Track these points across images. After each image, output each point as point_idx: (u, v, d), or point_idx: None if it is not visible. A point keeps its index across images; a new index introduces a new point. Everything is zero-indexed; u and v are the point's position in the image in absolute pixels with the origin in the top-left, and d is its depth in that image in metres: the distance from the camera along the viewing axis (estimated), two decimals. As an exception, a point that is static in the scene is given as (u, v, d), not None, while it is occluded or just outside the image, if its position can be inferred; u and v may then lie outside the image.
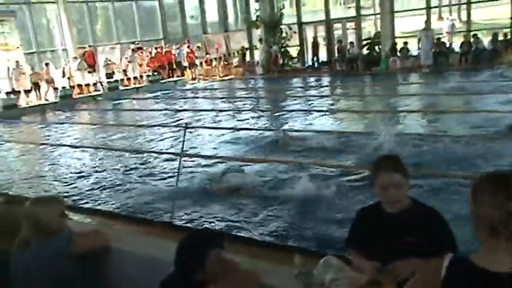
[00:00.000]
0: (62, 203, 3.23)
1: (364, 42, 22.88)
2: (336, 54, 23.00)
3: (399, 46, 21.35)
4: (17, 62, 20.33)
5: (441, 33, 22.55)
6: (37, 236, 2.99)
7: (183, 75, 25.63)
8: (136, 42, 25.80)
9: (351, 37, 23.44)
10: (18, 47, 21.21)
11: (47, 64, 21.12)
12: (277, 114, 13.90)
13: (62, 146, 12.01)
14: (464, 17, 24.77)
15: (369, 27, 25.50)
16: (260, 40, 24.76)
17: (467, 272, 1.64)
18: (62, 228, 3.06)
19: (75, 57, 22.45)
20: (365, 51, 22.54)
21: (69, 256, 2.98)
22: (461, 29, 22.84)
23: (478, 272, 1.62)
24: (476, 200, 1.66)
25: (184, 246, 2.37)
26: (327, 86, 19.42)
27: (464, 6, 23.57)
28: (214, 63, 26.14)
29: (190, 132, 11.10)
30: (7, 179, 9.29)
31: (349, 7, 26.98)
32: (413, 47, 21.36)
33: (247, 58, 26.03)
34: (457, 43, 21.36)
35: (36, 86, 20.36)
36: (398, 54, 21.19)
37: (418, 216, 2.61)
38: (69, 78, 21.78)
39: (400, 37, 22.61)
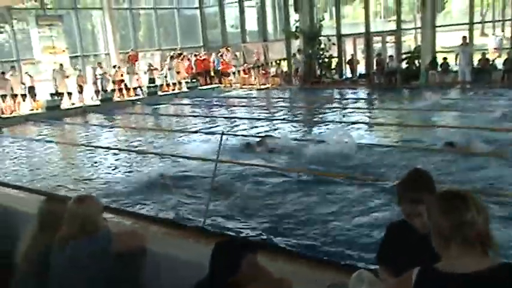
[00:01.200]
0: (101, 203, 3.33)
1: (404, 56, 22.61)
2: (375, 67, 22.80)
3: (439, 61, 21.03)
4: (61, 65, 20.93)
5: (485, 49, 22.07)
6: (77, 234, 3.08)
7: (220, 82, 25.87)
8: (177, 49, 26.21)
9: (390, 50, 23.21)
10: (64, 51, 21.89)
11: (100, 65, 21.59)
12: (312, 125, 13.88)
13: (99, 147, 12.28)
14: (508, 33, 24.20)
15: (409, 41, 25.18)
16: (299, 51, 24.77)
17: (434, 277, 1.90)
18: (101, 227, 3.15)
19: (115, 66, 23.01)
20: (404, 65, 22.28)
21: (107, 255, 3.06)
22: (506, 46, 22.32)
23: (442, 275, 1.88)
24: (430, 215, 2.00)
25: (220, 250, 2.40)
26: (364, 98, 19.24)
27: (508, 22, 23.06)
28: (251, 72, 26.29)
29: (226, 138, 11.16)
30: (44, 177, 9.59)
31: (390, 20, 26.72)
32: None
33: (285, 68, 26.05)
34: (500, 60, 20.88)
35: (80, 88, 20.90)
36: (439, 68, 20.86)
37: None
38: (114, 82, 22.32)
39: (441, 52, 22.26)
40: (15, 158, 12.04)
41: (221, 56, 26.04)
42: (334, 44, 24.54)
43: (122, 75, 22.65)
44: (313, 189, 7.70)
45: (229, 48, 26.71)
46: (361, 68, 24.19)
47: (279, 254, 3.23)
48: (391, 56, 22.34)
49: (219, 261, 2.36)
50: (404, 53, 22.85)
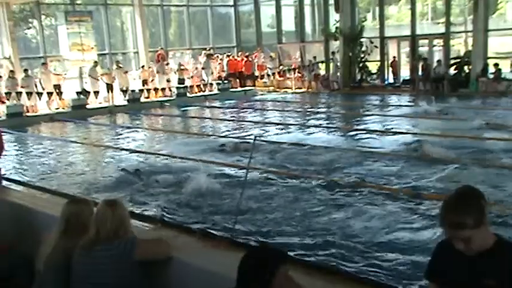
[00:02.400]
0: (126, 208, 3.39)
1: (452, 62, 22.27)
2: (420, 73, 22.54)
3: (491, 68, 20.62)
4: (95, 62, 21.42)
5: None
6: (106, 238, 3.15)
7: (254, 85, 25.99)
8: (208, 49, 26.46)
9: (438, 55, 22.90)
10: (92, 48, 22.35)
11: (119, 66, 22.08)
12: (350, 132, 13.80)
13: (122, 150, 12.47)
14: None
15: (458, 46, 24.80)
16: (333, 53, 24.73)
17: None
18: (126, 233, 3.21)
19: (142, 66, 23.37)
20: (452, 71, 21.94)
21: (131, 262, 3.12)
22: None
23: None
24: None
25: (249, 261, 2.41)
26: (408, 105, 19.00)
27: None
28: (287, 74, 26.33)
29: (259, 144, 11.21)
30: (66, 178, 9.82)
31: (438, 23, 26.36)
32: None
33: (322, 71, 25.98)
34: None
35: (108, 87, 21.31)
36: (490, 76, 20.45)
37: (501, 257, 2.51)
38: (144, 81, 22.66)
39: (493, 58, 21.82)
40: (37, 157, 12.34)
41: (254, 57, 26.21)
42: (376, 46, 24.37)
43: (149, 75, 23.03)
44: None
45: (262, 49, 26.82)
46: (404, 73, 23.94)
47: (307, 268, 3.23)
48: (438, 61, 22.03)
49: (248, 272, 2.36)
50: (453, 58, 22.51)
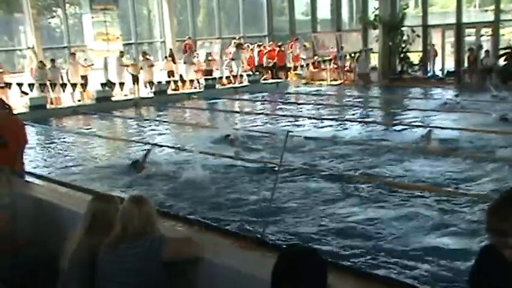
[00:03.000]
0: (153, 205, 3.44)
1: (502, 52, 21.83)
2: (466, 64, 22.14)
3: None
4: (121, 52, 21.70)
5: None
6: (133, 236, 3.21)
7: (286, 77, 25.95)
8: (238, 38, 26.50)
9: (486, 45, 22.48)
10: (118, 38, 22.62)
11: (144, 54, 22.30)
12: (391, 128, 13.68)
13: (149, 143, 12.58)
14: None
15: (509, 35, 24.30)
16: (364, 50, 24.60)
17: None
18: (153, 230, 3.27)
19: (166, 57, 23.52)
20: (502, 62, 21.50)
21: (158, 261, 3.17)
22: None
23: None
24: None
25: (286, 261, 2.40)
26: (451, 99, 18.68)
27: None
28: (322, 65, 26.21)
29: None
30: (90, 173, 10.02)
31: (486, 10, 25.86)
32: None
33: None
34: None
35: (134, 79, 21.57)
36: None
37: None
38: (170, 72, 22.86)
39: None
40: (60, 152, 12.58)
41: (290, 47, 26.18)
42: (418, 36, 24.05)
43: (173, 65, 23.21)
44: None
45: (298, 39, 26.77)
46: (449, 65, 23.58)
47: (342, 271, 3.23)
48: (486, 52, 21.62)
49: (284, 274, 2.37)
50: (503, 49, 22.06)
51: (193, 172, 9.35)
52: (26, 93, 19.07)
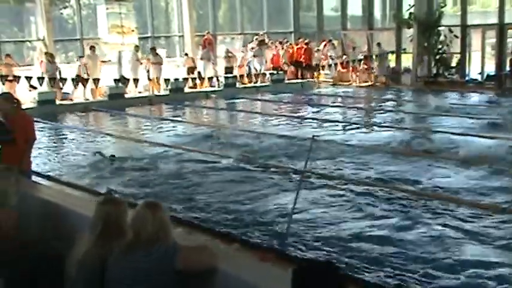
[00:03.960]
0: (167, 210, 3.46)
1: (549, 55, 21.58)
2: (508, 68, 21.89)
3: None
4: (136, 46, 21.89)
5: None
6: (146, 243, 3.25)
7: (312, 76, 25.91)
8: (261, 34, 26.52)
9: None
10: (133, 30, 22.76)
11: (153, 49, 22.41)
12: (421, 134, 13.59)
13: (162, 145, 12.70)
14: None
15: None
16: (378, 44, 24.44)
17: None
18: (167, 238, 3.30)
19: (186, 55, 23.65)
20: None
21: (171, 269, 3.19)
22: None
23: None
24: None
25: (304, 277, 2.40)
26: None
27: None
28: (351, 66, 26.12)
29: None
30: (100, 175, 10.11)
31: (532, 9, 25.58)
32: None
33: (392, 64, 25.63)
34: None
35: (149, 75, 21.70)
36: None
37: None
38: (189, 69, 23.01)
39: None
40: (69, 151, 12.69)
41: (324, 46, 26.20)
42: (456, 36, 23.84)
43: (193, 61, 23.32)
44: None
45: (329, 40, 26.75)
46: (489, 68, 23.33)
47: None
48: (531, 55, 21.39)
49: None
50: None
51: (206, 178, 9.45)
52: (35, 88, 19.30)
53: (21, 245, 4.15)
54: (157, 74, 21.64)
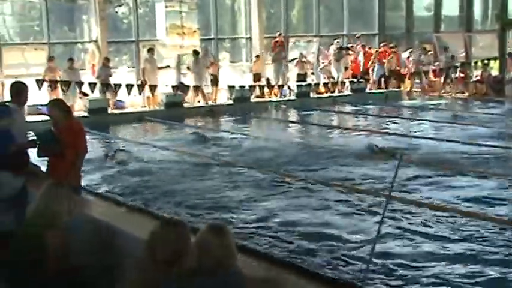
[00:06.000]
0: (233, 235, 3.50)
1: None
2: None
3: None
4: (206, 49, 22.30)
5: None
6: (204, 270, 3.30)
7: (399, 86, 25.62)
8: (340, 37, 26.44)
9: None
10: (195, 31, 23.05)
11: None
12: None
13: (230, 165, 12.81)
14: None
15: None
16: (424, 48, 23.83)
17: None
18: (232, 265, 3.34)
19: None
20: None
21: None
22: None
23: None
24: None
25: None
26: None
27: None
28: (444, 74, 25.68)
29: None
30: (157, 194, 10.31)
31: None
32: None
33: (494, 71, 25.04)
34: None
35: (213, 81, 22.03)
36: None
37: None
38: (256, 76, 23.24)
39: None
40: (122, 167, 12.91)
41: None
42: None
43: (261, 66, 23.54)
44: None
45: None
46: None
47: None
48: None
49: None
50: None
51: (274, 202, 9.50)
52: (86, 94, 19.79)
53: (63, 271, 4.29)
54: (154, 80, 21.31)
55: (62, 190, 4.65)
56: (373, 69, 25.38)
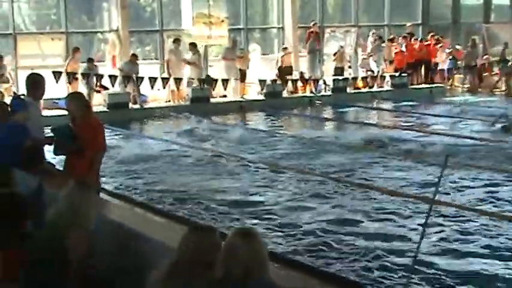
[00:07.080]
0: (264, 241, 3.47)
1: None
2: None
3: None
4: (234, 41, 22.42)
5: None
6: (233, 279, 3.28)
7: (443, 81, 25.46)
8: (380, 28, 26.30)
9: None
10: (223, 21, 23.00)
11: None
12: None
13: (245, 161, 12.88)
14: None
15: None
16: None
17: None
18: (263, 274, 3.32)
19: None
20: None
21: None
22: None
23: None
24: None
25: None
26: None
27: None
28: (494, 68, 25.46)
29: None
30: (181, 198, 10.33)
31: None
32: None
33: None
34: None
35: (241, 75, 22.09)
36: None
37: None
38: (284, 69, 23.12)
39: None
40: (145, 166, 12.92)
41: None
42: None
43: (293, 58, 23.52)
44: None
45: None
46: None
47: None
48: None
49: None
50: None
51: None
52: (106, 88, 19.87)
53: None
54: (179, 72, 21.36)
55: (88, 192, 4.66)
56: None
